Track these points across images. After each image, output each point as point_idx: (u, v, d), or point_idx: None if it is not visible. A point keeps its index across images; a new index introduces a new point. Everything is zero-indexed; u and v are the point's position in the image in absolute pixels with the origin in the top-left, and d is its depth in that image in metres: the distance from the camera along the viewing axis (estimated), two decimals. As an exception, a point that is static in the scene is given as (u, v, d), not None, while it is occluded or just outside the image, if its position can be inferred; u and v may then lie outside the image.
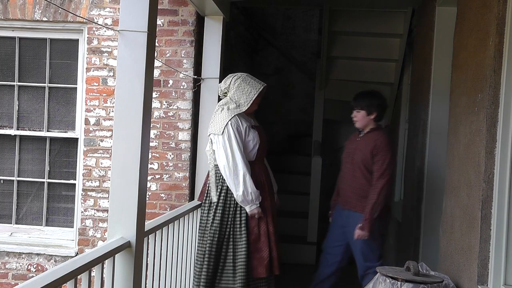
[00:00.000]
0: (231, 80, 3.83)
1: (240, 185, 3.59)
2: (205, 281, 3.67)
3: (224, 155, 3.63)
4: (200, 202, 4.02)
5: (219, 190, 3.74)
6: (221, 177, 3.72)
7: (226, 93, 3.86)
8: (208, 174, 3.87)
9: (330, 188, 7.12)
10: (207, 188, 3.84)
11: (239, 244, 3.68)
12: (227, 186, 3.69)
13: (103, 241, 4.52)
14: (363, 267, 3.95)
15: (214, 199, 3.73)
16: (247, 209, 3.65)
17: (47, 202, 4.89)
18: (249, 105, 3.75)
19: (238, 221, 3.70)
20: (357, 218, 3.87)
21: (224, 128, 3.65)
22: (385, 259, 6.19)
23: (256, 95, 3.76)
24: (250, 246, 3.67)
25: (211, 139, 3.78)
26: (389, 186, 3.89)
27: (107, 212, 3.04)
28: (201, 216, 3.85)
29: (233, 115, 3.70)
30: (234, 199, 3.68)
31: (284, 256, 5.98)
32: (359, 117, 4.03)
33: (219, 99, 4.42)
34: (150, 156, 4.35)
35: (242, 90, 3.77)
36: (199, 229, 3.85)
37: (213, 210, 3.73)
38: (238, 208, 3.70)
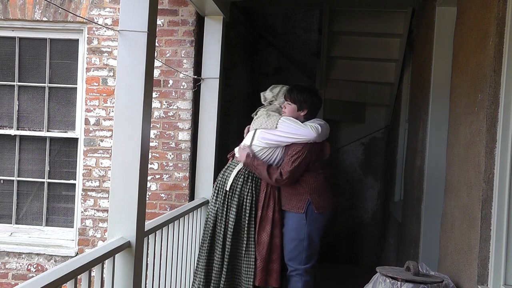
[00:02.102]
0: (280, 90, 3.96)
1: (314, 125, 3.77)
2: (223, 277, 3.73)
3: (294, 128, 3.73)
4: (200, 202, 4.03)
5: (251, 185, 3.78)
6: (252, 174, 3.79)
7: (272, 101, 3.99)
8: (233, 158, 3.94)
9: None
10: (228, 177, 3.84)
11: (250, 249, 3.72)
12: (255, 184, 3.78)
13: (103, 241, 4.52)
14: (289, 266, 3.81)
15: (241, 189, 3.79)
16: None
17: (47, 202, 4.90)
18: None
19: (253, 226, 3.76)
20: (291, 217, 3.76)
21: (278, 123, 3.76)
22: (385, 259, 6.22)
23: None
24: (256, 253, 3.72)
25: (258, 135, 3.82)
26: (288, 178, 3.68)
27: (107, 212, 3.04)
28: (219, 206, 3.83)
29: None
30: (253, 203, 3.75)
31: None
32: (289, 110, 3.85)
33: (219, 100, 4.45)
34: (150, 156, 4.35)
35: (280, 98, 3.94)
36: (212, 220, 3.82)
37: (245, 208, 3.77)
38: (253, 212, 3.76)
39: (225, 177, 3.83)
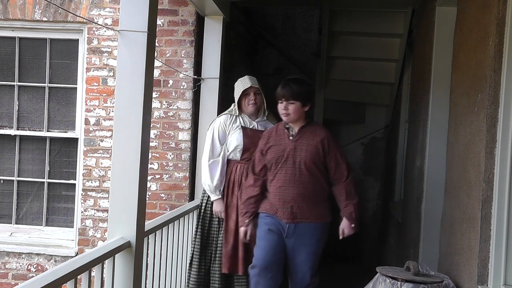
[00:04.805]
0: (237, 84, 3.98)
1: (205, 174, 3.84)
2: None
3: (204, 148, 3.94)
4: (200, 202, 4.03)
5: None
6: None
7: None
8: None
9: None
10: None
11: (219, 239, 3.85)
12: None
13: (103, 241, 4.52)
14: (305, 282, 3.43)
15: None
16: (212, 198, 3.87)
17: (47, 202, 4.89)
18: (235, 105, 3.89)
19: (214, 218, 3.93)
20: (317, 228, 3.40)
21: (210, 125, 3.95)
22: (385, 259, 6.21)
23: (238, 96, 3.87)
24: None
25: None
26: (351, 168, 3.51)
27: (107, 212, 3.04)
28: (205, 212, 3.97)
29: (222, 114, 3.93)
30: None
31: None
32: (293, 110, 3.36)
33: (219, 100, 4.46)
34: (150, 156, 4.35)
35: (235, 92, 3.92)
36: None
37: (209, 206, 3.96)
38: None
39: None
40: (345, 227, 3.40)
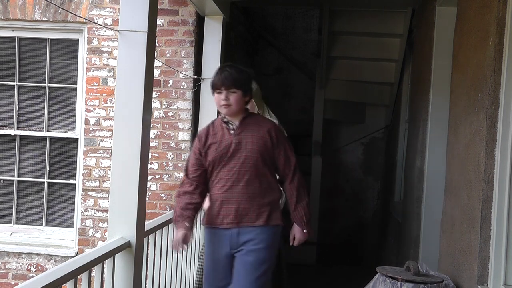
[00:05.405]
0: None
1: None
2: None
3: None
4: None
5: None
6: None
7: None
8: None
9: (330, 188, 7.14)
10: None
11: None
12: None
13: (103, 241, 4.52)
14: None
15: None
16: None
17: (47, 202, 4.89)
18: None
19: None
20: (262, 233, 2.90)
21: None
22: (385, 259, 6.22)
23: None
24: None
25: None
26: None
27: (107, 212, 3.04)
28: None
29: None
30: None
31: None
32: (235, 100, 2.87)
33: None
34: (150, 156, 4.35)
35: None
36: None
37: None
38: None
39: None
40: (296, 232, 3.02)
